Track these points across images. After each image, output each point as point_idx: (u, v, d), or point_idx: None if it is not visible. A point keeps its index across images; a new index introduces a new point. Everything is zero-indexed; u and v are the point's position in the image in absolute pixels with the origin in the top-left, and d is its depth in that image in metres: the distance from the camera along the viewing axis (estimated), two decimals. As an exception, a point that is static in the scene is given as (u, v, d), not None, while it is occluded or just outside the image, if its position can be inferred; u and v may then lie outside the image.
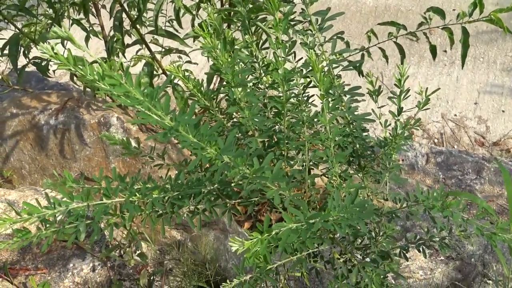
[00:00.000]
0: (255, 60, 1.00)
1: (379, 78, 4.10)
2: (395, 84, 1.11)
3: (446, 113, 3.92)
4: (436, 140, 3.80)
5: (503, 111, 3.82)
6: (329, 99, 0.93)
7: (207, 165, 0.84)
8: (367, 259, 1.06)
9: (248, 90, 0.93)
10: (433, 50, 2.19)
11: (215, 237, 2.11)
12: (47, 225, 0.90)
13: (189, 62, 2.16)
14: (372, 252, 1.05)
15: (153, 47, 2.36)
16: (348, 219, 0.78)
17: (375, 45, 2.22)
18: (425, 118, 3.91)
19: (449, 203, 0.87)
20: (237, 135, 0.98)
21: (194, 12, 1.84)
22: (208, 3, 1.79)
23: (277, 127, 0.99)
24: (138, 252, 1.72)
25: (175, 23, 2.13)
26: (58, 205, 0.89)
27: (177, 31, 2.09)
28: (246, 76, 0.93)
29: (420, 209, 0.95)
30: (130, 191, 0.92)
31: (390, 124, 1.44)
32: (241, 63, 0.96)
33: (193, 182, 0.92)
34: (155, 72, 2.09)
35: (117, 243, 1.69)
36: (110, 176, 1.14)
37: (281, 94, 0.92)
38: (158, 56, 2.18)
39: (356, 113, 1.11)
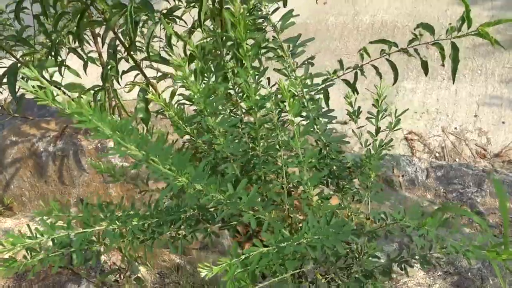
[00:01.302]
0: (230, 87, 1.03)
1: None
2: (372, 104, 1.13)
3: (447, 126, 3.92)
4: (437, 154, 3.80)
5: (503, 122, 3.82)
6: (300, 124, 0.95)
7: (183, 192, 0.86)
8: (351, 279, 1.06)
9: (220, 117, 0.95)
10: (425, 66, 2.21)
11: (214, 260, 2.12)
12: (33, 254, 0.92)
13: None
14: (355, 271, 1.05)
15: (152, 72, 2.39)
16: (323, 241, 0.79)
17: (368, 63, 2.24)
18: (425, 133, 3.92)
19: (424, 221, 0.87)
20: (214, 161, 1.00)
21: (186, 39, 1.87)
22: (200, 29, 1.83)
23: (252, 152, 1.01)
24: (134, 276, 1.73)
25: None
26: (40, 234, 0.90)
27: (173, 53, 2.12)
28: (219, 105, 0.95)
29: (398, 228, 0.95)
30: (110, 219, 0.93)
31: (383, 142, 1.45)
32: (214, 92, 0.98)
33: (172, 208, 0.94)
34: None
35: (114, 267, 1.71)
36: (108, 202, 1.16)
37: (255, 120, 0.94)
38: (154, 81, 2.22)
39: (331, 135, 1.13)
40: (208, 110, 0.92)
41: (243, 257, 0.79)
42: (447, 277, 1.75)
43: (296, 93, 1.10)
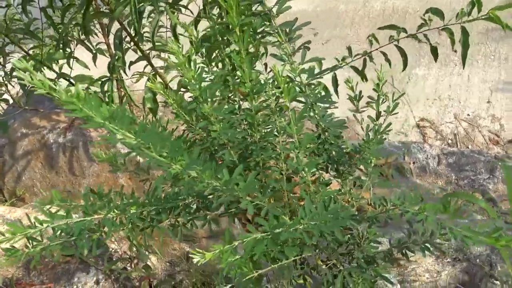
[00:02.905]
0: (228, 73, 1.03)
1: (388, 81, 4.08)
2: (373, 89, 1.12)
3: (459, 113, 3.88)
4: (450, 141, 3.76)
5: (516, 108, 3.77)
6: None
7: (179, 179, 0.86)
8: (353, 265, 1.06)
9: (216, 105, 0.95)
10: (434, 51, 2.18)
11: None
12: (34, 243, 0.93)
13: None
14: (357, 257, 1.05)
15: (161, 62, 2.40)
16: (320, 227, 0.79)
17: (377, 49, 2.21)
18: (437, 120, 3.88)
19: (423, 207, 0.87)
20: (212, 148, 1.00)
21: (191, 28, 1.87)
22: (205, 17, 1.83)
23: (250, 138, 1.01)
24: (143, 264, 1.75)
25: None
26: (39, 223, 0.92)
27: (178, 42, 2.12)
28: (215, 91, 0.95)
29: (398, 213, 0.95)
30: (108, 208, 0.94)
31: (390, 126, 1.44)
32: (209, 77, 0.98)
33: (171, 196, 0.94)
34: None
35: (124, 256, 1.73)
36: (117, 191, 1.17)
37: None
38: (162, 71, 2.22)
39: (331, 120, 1.12)
40: (203, 97, 0.92)
41: (236, 243, 0.79)
42: (456, 264, 1.74)
43: (293, 79, 1.09)
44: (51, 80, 2.45)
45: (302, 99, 1.12)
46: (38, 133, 2.32)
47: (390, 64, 2.28)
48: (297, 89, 1.11)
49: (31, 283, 1.63)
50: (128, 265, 1.85)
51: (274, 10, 1.12)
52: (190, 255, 2.22)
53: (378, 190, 2.20)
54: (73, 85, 2.54)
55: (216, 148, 0.98)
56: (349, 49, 2.20)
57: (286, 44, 1.10)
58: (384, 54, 2.21)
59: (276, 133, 0.98)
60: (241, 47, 0.91)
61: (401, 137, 3.80)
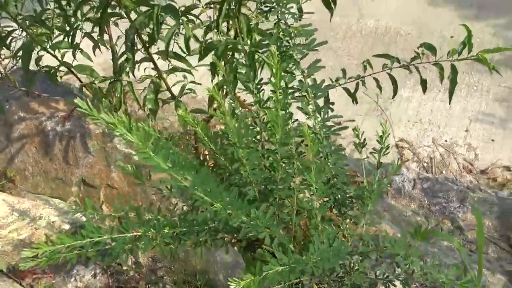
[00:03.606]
0: (256, 116, 1.12)
1: (374, 99, 4.20)
2: (377, 141, 1.23)
3: (437, 138, 4.03)
4: (425, 164, 3.91)
5: (492, 140, 3.93)
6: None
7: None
8: None
9: (248, 151, 1.05)
10: (424, 83, 2.29)
11: (206, 250, 2.22)
12: (72, 248, 1.02)
13: (194, 82, 2.27)
14: (346, 284, 1.17)
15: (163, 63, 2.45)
16: (324, 263, 0.90)
17: (370, 75, 2.32)
18: (416, 142, 4.02)
19: (410, 252, 0.98)
20: (238, 183, 1.10)
21: (201, 40, 1.95)
22: (216, 30, 1.90)
23: (271, 178, 1.11)
24: (135, 261, 1.83)
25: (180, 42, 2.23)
26: (87, 236, 1.01)
27: (190, 54, 2.18)
28: (249, 139, 1.05)
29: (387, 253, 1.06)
30: (145, 227, 1.05)
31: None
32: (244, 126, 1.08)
33: (199, 221, 1.05)
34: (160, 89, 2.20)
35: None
36: (110, 185, 1.23)
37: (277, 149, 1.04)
38: (165, 75, 2.28)
39: (341, 169, 1.23)
40: (239, 143, 1.02)
41: (264, 274, 0.90)
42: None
43: (315, 132, 1.20)
44: (53, 67, 2.47)
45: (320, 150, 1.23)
46: (36, 119, 2.36)
47: (380, 90, 2.39)
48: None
49: (34, 272, 1.71)
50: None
51: (306, 71, 1.23)
52: (173, 253, 2.30)
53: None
54: (73, 73, 2.58)
55: (242, 184, 1.08)
56: (344, 71, 2.31)
57: (312, 100, 1.19)
58: (376, 80, 2.33)
59: (293, 175, 1.08)
60: (278, 106, 1.01)
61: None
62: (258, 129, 1.11)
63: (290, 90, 1.20)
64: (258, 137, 1.15)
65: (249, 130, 1.06)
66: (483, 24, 4.69)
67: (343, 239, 1.18)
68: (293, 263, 0.89)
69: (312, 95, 1.18)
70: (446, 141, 3.99)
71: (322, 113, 1.22)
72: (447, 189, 3.07)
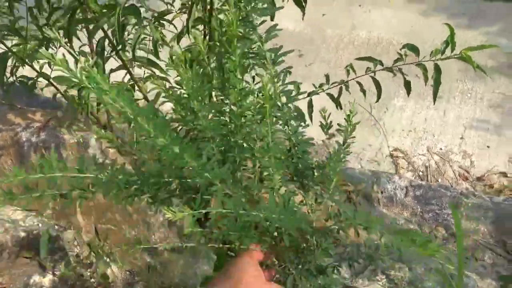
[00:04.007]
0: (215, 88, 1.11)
1: (367, 109, 4.16)
2: (344, 119, 1.20)
3: (432, 146, 3.96)
4: (421, 173, 3.84)
5: (488, 147, 3.87)
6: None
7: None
8: (304, 271, 1.11)
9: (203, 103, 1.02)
10: (407, 85, 2.24)
11: (185, 262, 2.16)
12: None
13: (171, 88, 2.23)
14: (309, 261, 1.10)
15: (139, 71, 2.42)
16: (279, 220, 0.85)
17: (353, 79, 2.28)
18: (411, 151, 3.96)
19: (373, 220, 0.91)
20: (196, 140, 1.07)
21: (172, 44, 1.91)
22: (188, 35, 1.86)
23: (232, 139, 1.08)
24: (101, 272, 1.77)
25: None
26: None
27: (159, 58, 2.15)
28: (203, 90, 1.03)
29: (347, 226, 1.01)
30: (99, 170, 1.01)
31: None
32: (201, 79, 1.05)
33: (154, 172, 1.01)
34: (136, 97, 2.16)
35: (81, 260, 1.74)
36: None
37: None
38: (141, 82, 2.25)
39: (300, 137, 1.21)
40: (193, 94, 0.99)
41: (203, 211, 0.85)
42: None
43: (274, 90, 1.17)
44: (31, 78, 2.43)
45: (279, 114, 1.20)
46: (12, 130, 2.32)
47: (364, 94, 2.34)
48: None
49: (-13, 282, 1.64)
50: (89, 270, 1.86)
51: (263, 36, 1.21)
52: (151, 266, 2.24)
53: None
54: (52, 85, 2.55)
55: (200, 140, 1.05)
56: (327, 76, 2.27)
57: (271, 66, 1.18)
58: (360, 84, 2.28)
59: (255, 138, 1.05)
60: (237, 72, 0.98)
61: (373, 165, 3.87)
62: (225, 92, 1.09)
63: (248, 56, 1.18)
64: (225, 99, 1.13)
65: (203, 82, 1.04)
66: (476, 33, 4.66)
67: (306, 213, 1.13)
68: (240, 207, 0.84)
69: (271, 61, 1.16)
70: (441, 149, 3.93)
71: (282, 78, 1.20)
72: (440, 195, 2.99)
